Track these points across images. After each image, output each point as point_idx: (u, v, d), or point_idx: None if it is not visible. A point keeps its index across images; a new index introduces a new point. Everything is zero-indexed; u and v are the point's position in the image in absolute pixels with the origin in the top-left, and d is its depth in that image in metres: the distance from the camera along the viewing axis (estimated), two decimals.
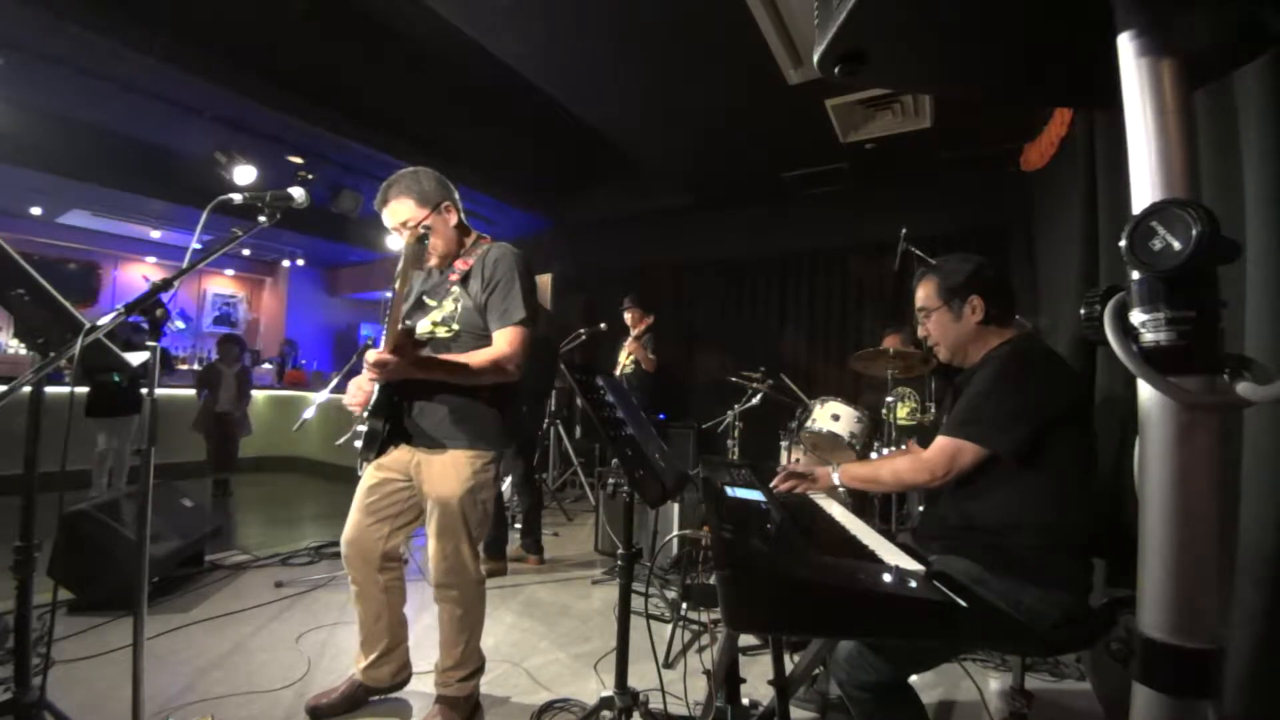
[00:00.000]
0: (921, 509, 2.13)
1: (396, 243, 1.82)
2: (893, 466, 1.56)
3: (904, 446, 2.32)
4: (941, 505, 1.54)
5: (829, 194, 5.08)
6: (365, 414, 1.74)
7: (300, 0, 3.49)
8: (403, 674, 1.97)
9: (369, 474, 1.86)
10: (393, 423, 1.76)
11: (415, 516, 1.87)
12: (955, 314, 1.56)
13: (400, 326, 1.62)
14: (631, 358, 4.80)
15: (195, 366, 8.55)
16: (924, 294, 1.62)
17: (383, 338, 1.64)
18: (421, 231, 1.73)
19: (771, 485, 1.64)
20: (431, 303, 1.84)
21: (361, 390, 1.81)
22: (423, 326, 1.81)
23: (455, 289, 1.81)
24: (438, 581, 1.80)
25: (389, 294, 2.05)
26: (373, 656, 1.90)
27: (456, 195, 1.86)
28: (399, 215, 1.78)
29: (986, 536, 1.41)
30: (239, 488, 5.35)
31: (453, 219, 1.84)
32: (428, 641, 2.11)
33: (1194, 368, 0.61)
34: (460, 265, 1.82)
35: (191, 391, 5.44)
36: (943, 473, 1.42)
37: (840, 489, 1.63)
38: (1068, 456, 1.40)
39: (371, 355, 1.57)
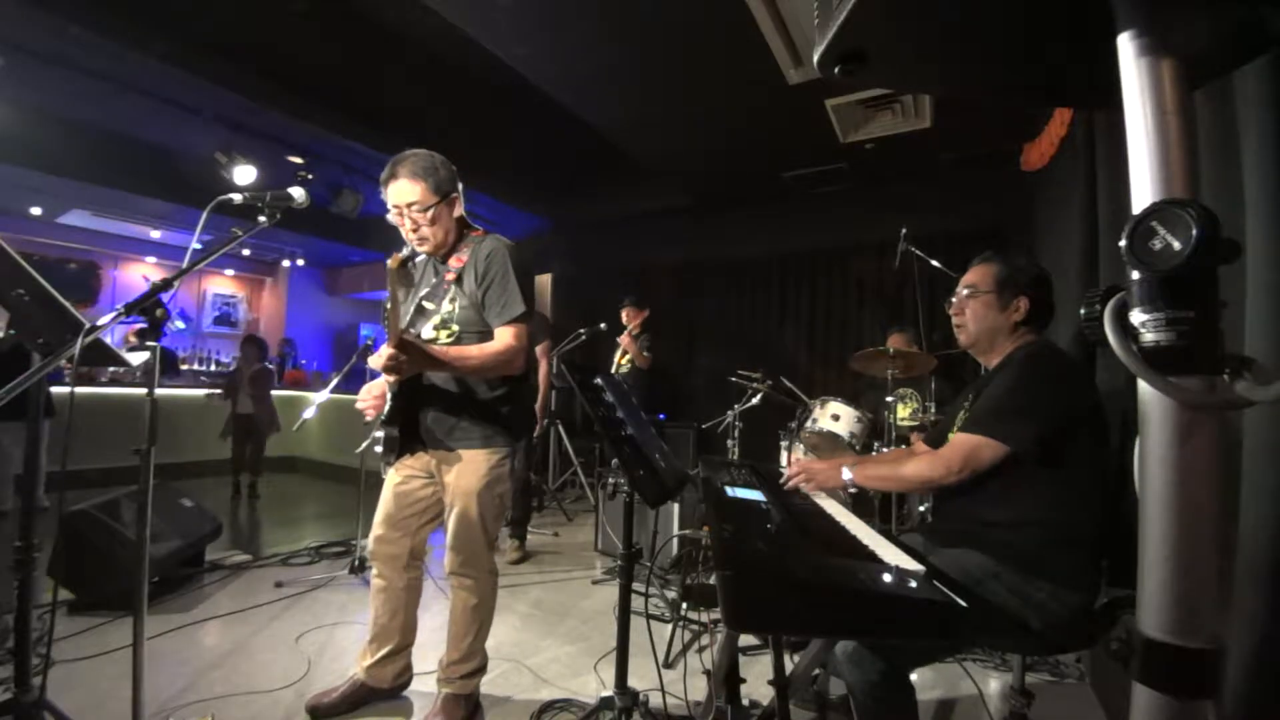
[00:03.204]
0: (924, 508, 2.13)
1: (392, 218, 1.82)
2: (907, 464, 1.54)
3: (908, 445, 2.32)
4: (954, 502, 1.54)
5: (829, 194, 5.08)
6: (380, 420, 1.77)
7: (300, 0, 3.49)
8: (404, 676, 1.98)
9: (393, 474, 1.91)
10: (407, 430, 1.80)
11: (440, 513, 1.90)
12: (1001, 305, 1.56)
13: (401, 327, 1.61)
14: (627, 356, 4.80)
15: (196, 366, 8.56)
16: (979, 274, 1.60)
17: (386, 339, 1.64)
18: (405, 255, 1.69)
19: (782, 481, 1.64)
20: (430, 306, 1.85)
21: (373, 396, 1.83)
22: (426, 332, 1.82)
23: (452, 289, 1.82)
24: (452, 570, 1.83)
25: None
26: (380, 654, 1.91)
27: (461, 186, 1.86)
28: (406, 196, 1.74)
29: (999, 533, 1.41)
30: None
31: (457, 211, 1.85)
32: (429, 642, 2.11)
33: (1194, 368, 0.61)
34: (455, 263, 1.83)
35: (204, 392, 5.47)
36: (958, 468, 1.42)
37: (851, 489, 1.62)
38: (1081, 458, 1.41)
39: (378, 358, 1.58)
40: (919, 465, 1.51)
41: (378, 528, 1.89)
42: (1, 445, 3.92)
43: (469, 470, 1.79)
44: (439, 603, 1.90)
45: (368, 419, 1.84)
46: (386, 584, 1.91)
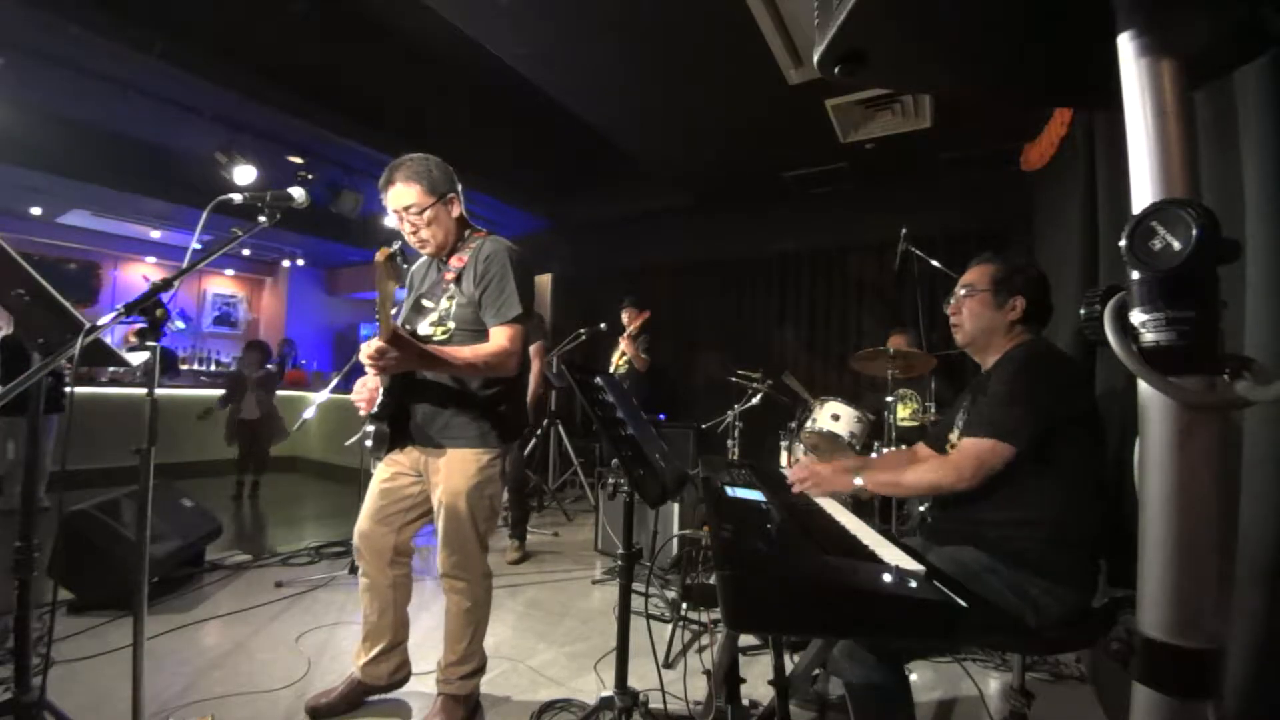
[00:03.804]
0: (923, 508, 2.13)
1: (393, 222, 1.85)
2: (917, 470, 1.53)
3: (903, 448, 2.31)
4: (951, 501, 1.54)
5: (829, 194, 5.08)
6: (371, 415, 1.76)
7: (300, 0, 3.49)
8: (401, 672, 1.97)
9: (381, 469, 1.89)
10: (397, 426, 1.80)
11: (426, 511, 1.89)
12: (997, 304, 1.56)
13: (391, 320, 1.59)
14: (625, 357, 4.80)
15: (196, 366, 8.56)
16: (976, 274, 1.61)
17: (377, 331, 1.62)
18: (393, 250, 1.67)
19: (789, 480, 1.64)
20: (429, 304, 1.86)
21: (368, 389, 1.82)
22: (422, 329, 1.82)
23: (451, 288, 1.82)
24: (445, 574, 1.82)
25: None
26: (374, 653, 1.91)
27: (460, 187, 1.87)
28: (403, 199, 1.77)
29: (996, 531, 1.42)
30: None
31: (455, 211, 1.85)
32: (428, 642, 2.11)
33: (1194, 368, 0.61)
34: (455, 263, 1.84)
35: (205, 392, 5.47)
36: (970, 474, 1.40)
37: (864, 496, 1.63)
38: (1077, 457, 1.41)
39: (367, 347, 1.55)
40: (929, 471, 1.50)
41: (362, 523, 1.88)
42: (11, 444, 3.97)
43: (458, 470, 1.77)
44: (437, 603, 1.90)
45: (362, 413, 1.83)
46: (371, 581, 1.89)
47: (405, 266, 1.91)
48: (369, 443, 1.79)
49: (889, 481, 1.60)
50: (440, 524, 1.80)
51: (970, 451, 1.43)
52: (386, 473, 1.88)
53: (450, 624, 1.85)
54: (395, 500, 1.87)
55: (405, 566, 1.95)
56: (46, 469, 4.14)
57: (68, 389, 3.83)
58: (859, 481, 1.57)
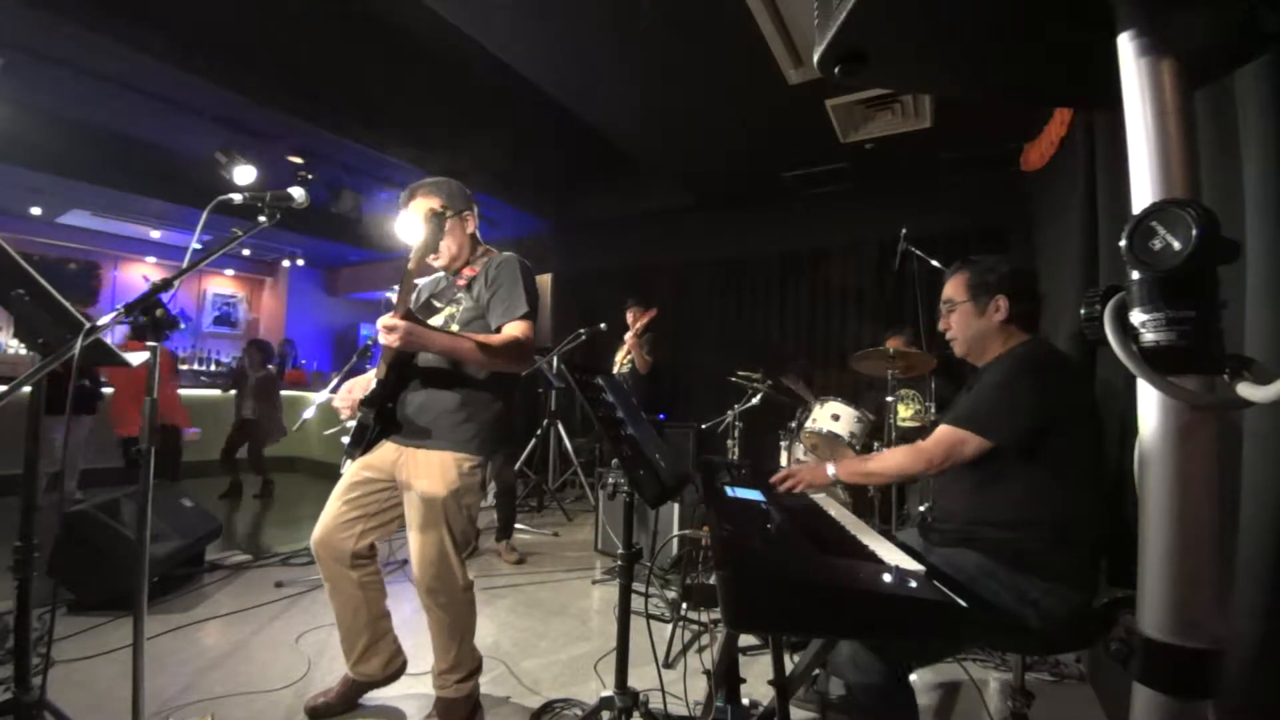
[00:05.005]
0: (923, 507, 2.13)
1: (402, 230, 1.90)
2: (889, 457, 1.58)
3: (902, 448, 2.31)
4: (951, 501, 1.55)
5: (829, 194, 5.07)
6: (361, 402, 1.77)
7: (299, 0, 3.49)
8: (394, 664, 1.93)
9: (352, 471, 1.85)
10: (385, 416, 1.78)
11: (393, 519, 1.86)
12: (979, 310, 1.58)
13: (408, 299, 1.62)
14: (629, 356, 4.80)
15: (196, 366, 8.55)
16: (953, 287, 1.63)
17: (394, 305, 1.63)
18: (439, 210, 1.76)
19: (771, 480, 1.65)
20: (439, 305, 1.89)
21: (351, 394, 1.84)
22: None
23: (460, 294, 1.86)
24: (425, 588, 1.76)
25: (389, 294, 2.08)
26: (359, 652, 1.88)
27: (476, 209, 1.95)
28: (422, 210, 1.82)
29: (996, 532, 1.42)
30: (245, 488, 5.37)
31: (469, 227, 1.92)
32: (426, 641, 2.11)
33: (1194, 368, 0.61)
34: (467, 272, 1.89)
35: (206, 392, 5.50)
36: (939, 461, 1.44)
37: (838, 486, 1.64)
38: (1076, 456, 1.41)
39: (383, 320, 1.57)
40: (900, 457, 1.55)
41: (320, 531, 1.81)
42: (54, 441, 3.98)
43: (438, 473, 1.74)
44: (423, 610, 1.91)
45: (343, 417, 1.83)
46: (334, 586, 1.84)
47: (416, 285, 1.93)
48: (345, 439, 1.78)
49: (863, 470, 1.64)
50: (414, 529, 1.75)
51: (944, 440, 1.45)
52: (358, 476, 1.83)
53: (435, 638, 1.82)
54: (363, 502, 1.82)
55: (369, 567, 1.87)
56: (78, 466, 4.19)
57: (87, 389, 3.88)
58: (832, 471, 1.60)
